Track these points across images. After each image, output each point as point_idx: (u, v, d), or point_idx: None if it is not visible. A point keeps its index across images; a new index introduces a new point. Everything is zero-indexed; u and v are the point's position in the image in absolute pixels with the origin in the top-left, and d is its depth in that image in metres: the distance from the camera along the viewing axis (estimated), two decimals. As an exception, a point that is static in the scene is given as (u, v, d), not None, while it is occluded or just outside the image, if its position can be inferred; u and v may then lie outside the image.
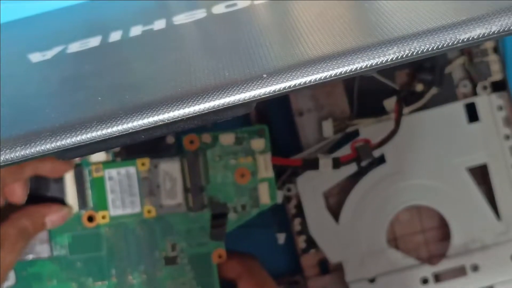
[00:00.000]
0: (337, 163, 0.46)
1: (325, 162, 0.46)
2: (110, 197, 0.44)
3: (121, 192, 0.44)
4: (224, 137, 0.44)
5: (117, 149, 0.44)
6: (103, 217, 0.44)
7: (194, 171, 0.44)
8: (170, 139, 0.44)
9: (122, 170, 0.44)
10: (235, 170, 0.44)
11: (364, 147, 0.45)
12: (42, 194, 0.43)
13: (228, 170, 0.44)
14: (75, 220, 0.43)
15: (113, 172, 0.44)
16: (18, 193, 0.40)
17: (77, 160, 0.43)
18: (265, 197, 0.45)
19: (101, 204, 0.44)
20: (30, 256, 0.43)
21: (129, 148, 0.44)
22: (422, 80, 0.48)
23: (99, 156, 0.43)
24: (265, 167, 0.44)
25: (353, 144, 0.45)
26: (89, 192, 0.43)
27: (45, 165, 0.41)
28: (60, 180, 0.43)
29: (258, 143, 0.44)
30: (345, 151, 0.48)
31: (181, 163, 0.44)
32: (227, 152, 0.44)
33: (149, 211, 0.44)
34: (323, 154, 0.48)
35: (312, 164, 0.46)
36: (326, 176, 0.49)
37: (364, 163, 0.46)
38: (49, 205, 0.42)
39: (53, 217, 0.42)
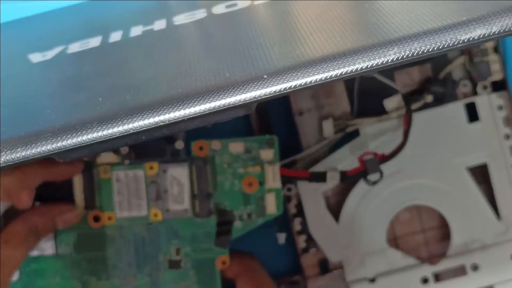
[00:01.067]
0: (344, 177, 0.46)
1: (332, 175, 0.46)
2: (117, 198, 0.44)
3: (128, 195, 0.44)
4: (233, 145, 0.44)
5: (125, 151, 0.44)
6: (109, 218, 0.44)
7: (202, 178, 0.44)
8: (180, 145, 0.44)
9: (130, 173, 0.44)
10: (243, 179, 0.44)
11: (372, 160, 0.45)
12: (50, 192, 0.43)
13: (236, 178, 0.44)
14: (81, 219, 0.44)
15: (121, 174, 0.44)
16: (25, 199, 0.40)
17: (85, 160, 0.43)
18: (271, 207, 0.44)
19: (108, 205, 0.44)
20: (35, 252, 0.43)
21: (138, 151, 0.44)
22: (433, 92, 0.48)
23: (107, 157, 0.43)
24: (273, 178, 0.44)
25: (361, 158, 0.45)
26: (96, 192, 0.44)
27: (53, 172, 0.41)
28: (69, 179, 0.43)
29: (267, 154, 0.44)
30: (345, 151, 0.48)
31: (189, 169, 0.44)
32: (236, 160, 0.44)
33: (155, 215, 0.44)
34: (328, 162, 0.48)
35: (320, 177, 0.46)
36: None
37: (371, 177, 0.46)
38: (60, 205, 0.43)
39: (65, 216, 0.42)
